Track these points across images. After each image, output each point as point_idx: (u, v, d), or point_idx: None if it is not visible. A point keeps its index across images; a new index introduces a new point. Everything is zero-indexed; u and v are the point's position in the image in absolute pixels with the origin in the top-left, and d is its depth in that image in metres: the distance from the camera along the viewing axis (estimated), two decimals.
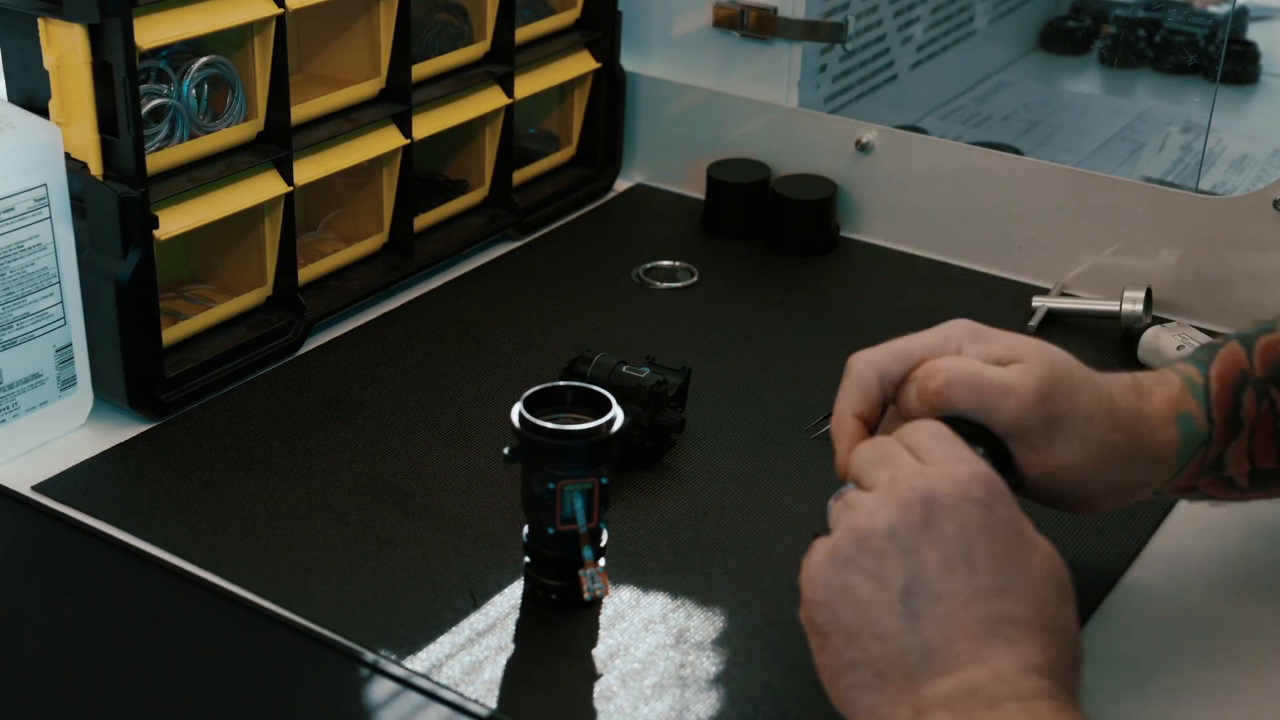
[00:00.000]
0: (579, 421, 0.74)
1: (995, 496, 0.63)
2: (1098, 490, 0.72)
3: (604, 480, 0.74)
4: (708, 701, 0.71)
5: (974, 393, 0.69)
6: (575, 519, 0.74)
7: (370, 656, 0.74)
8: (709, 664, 0.74)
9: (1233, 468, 0.75)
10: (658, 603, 0.78)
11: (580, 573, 0.75)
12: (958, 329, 0.73)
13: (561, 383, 0.76)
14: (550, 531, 0.75)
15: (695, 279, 1.10)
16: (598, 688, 0.72)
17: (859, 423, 0.72)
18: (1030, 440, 0.70)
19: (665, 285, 1.07)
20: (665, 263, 1.10)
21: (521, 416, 0.74)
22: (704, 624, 0.76)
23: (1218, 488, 0.76)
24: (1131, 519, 0.85)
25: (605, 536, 0.77)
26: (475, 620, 0.76)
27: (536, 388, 0.76)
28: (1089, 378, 0.72)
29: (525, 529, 0.77)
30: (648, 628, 0.76)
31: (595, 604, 0.77)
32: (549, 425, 0.74)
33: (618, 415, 0.75)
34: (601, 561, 0.76)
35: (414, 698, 0.71)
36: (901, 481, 0.63)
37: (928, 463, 0.64)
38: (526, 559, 0.77)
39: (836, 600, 0.62)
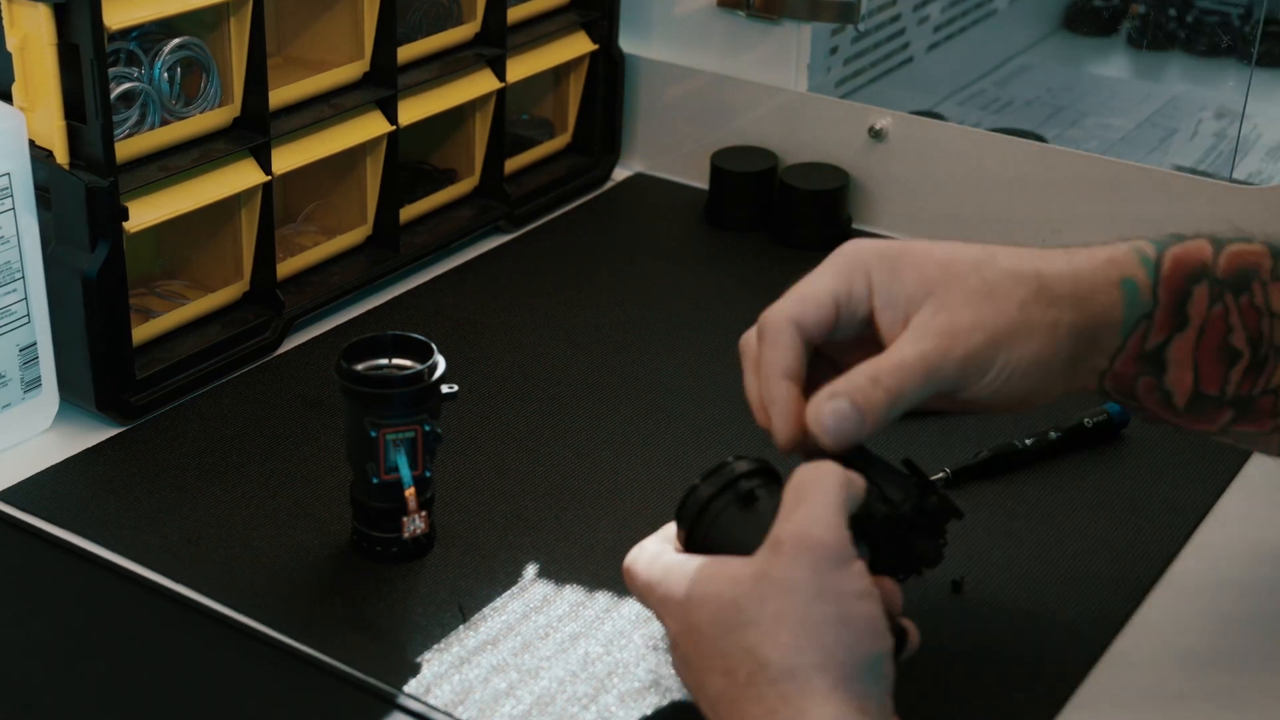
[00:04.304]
0: (400, 370, 0.79)
1: (703, 602, 0.65)
2: (1048, 380, 0.71)
3: (427, 428, 0.78)
4: None
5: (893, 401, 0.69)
6: (399, 468, 0.78)
7: (354, 675, 0.74)
8: None
9: (1174, 372, 0.72)
10: None
11: (403, 518, 0.79)
12: (861, 263, 0.72)
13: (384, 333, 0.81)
14: (375, 481, 0.78)
15: None
16: (595, 707, 0.72)
17: (792, 385, 0.71)
18: (976, 375, 0.70)
19: None
20: None
21: (340, 365, 0.79)
22: None
23: (1155, 400, 0.73)
24: (1153, 544, 0.85)
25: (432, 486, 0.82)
26: (464, 635, 0.76)
27: (357, 338, 0.81)
28: (1003, 273, 0.70)
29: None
30: (650, 645, 0.76)
31: (419, 548, 0.81)
32: (369, 373, 0.79)
33: (439, 362, 0.79)
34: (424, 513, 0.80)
35: (400, 716, 0.72)
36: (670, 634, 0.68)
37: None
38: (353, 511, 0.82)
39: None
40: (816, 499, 0.65)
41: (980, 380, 0.69)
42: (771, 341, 0.72)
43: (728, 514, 0.68)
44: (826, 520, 0.64)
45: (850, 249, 0.73)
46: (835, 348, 0.73)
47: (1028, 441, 0.91)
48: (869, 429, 0.68)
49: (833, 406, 0.68)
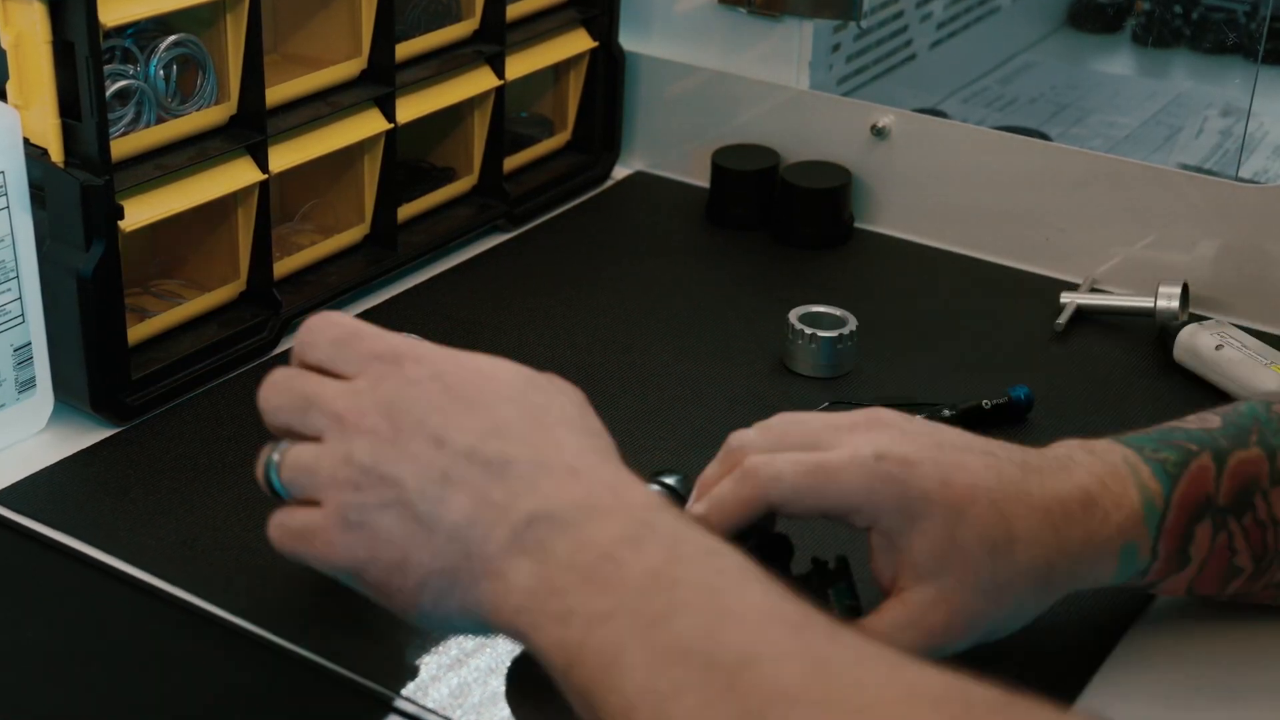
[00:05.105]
0: None
1: (402, 355, 0.66)
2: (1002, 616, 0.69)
3: None
4: None
5: None
6: None
7: (352, 678, 0.74)
8: None
9: (1168, 587, 0.73)
10: None
11: None
12: (878, 493, 0.67)
13: None
14: None
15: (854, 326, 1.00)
16: None
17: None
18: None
19: (827, 334, 0.98)
20: (820, 308, 1.02)
21: None
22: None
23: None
24: None
25: None
26: (463, 638, 0.76)
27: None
28: (1017, 572, 0.67)
29: None
30: None
31: None
32: None
33: None
34: None
35: (396, 718, 0.72)
36: (343, 416, 0.66)
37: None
38: None
39: (372, 551, 0.64)
40: None
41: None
42: (745, 492, 0.69)
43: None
44: None
45: (876, 469, 0.67)
46: None
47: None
48: None
49: None
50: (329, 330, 0.69)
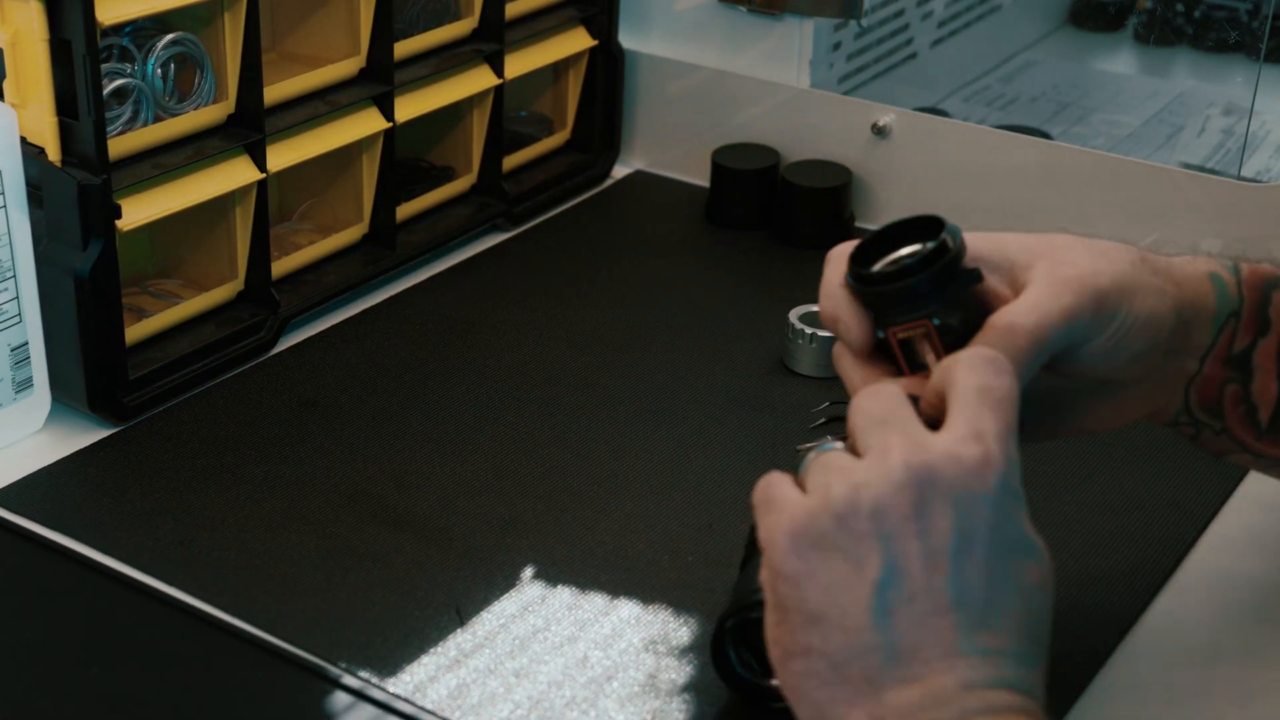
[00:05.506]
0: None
1: (1007, 492, 0.61)
2: (1154, 352, 0.69)
3: (937, 321, 0.68)
4: None
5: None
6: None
7: (350, 680, 0.74)
8: (713, 686, 0.74)
9: (1259, 379, 0.71)
10: (659, 620, 0.78)
11: None
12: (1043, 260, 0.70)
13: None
14: None
15: None
16: (594, 712, 0.72)
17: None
18: (1105, 323, 0.68)
19: (827, 333, 0.94)
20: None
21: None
22: (709, 643, 0.76)
23: (1240, 415, 0.72)
24: (1159, 546, 0.85)
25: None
26: (462, 639, 0.76)
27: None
28: (1107, 243, 0.70)
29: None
30: (648, 648, 0.76)
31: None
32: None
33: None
34: None
35: (395, 719, 0.72)
36: (895, 453, 0.60)
37: (943, 429, 0.61)
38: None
39: (805, 578, 0.60)
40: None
41: (1105, 330, 0.67)
42: (834, 261, 0.72)
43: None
44: None
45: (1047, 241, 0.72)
46: None
47: None
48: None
49: None
50: (981, 376, 0.63)
